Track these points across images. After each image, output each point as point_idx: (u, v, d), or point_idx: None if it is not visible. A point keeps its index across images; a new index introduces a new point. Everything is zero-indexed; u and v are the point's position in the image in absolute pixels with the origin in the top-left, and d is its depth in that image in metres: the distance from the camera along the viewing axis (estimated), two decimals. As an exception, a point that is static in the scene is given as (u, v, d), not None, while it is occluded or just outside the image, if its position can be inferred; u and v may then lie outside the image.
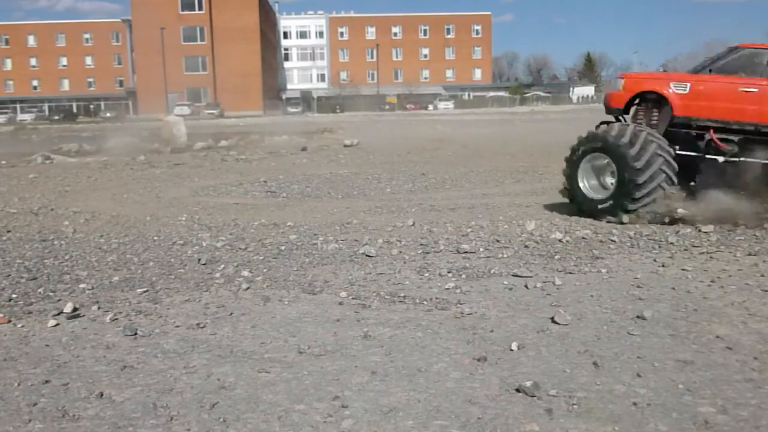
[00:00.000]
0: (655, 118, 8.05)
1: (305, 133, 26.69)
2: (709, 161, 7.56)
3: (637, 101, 8.29)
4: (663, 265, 5.35)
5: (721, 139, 7.60)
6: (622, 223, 7.19)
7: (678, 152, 7.58)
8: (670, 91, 7.90)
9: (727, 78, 7.69)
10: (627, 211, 7.27)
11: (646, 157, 7.24)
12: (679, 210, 7.06)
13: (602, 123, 8.43)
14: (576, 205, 7.96)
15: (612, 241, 6.33)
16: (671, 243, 6.16)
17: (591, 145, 7.85)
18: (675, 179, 7.36)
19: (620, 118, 8.43)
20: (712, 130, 7.62)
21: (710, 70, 7.91)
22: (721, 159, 7.51)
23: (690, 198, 7.31)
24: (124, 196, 10.57)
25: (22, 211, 9.03)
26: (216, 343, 3.79)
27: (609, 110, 8.58)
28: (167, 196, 10.35)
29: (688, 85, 7.89)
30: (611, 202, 7.46)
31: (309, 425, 2.80)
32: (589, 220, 7.46)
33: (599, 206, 7.57)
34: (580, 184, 7.91)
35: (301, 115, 60.31)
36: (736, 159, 7.42)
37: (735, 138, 7.61)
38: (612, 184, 7.65)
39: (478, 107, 63.12)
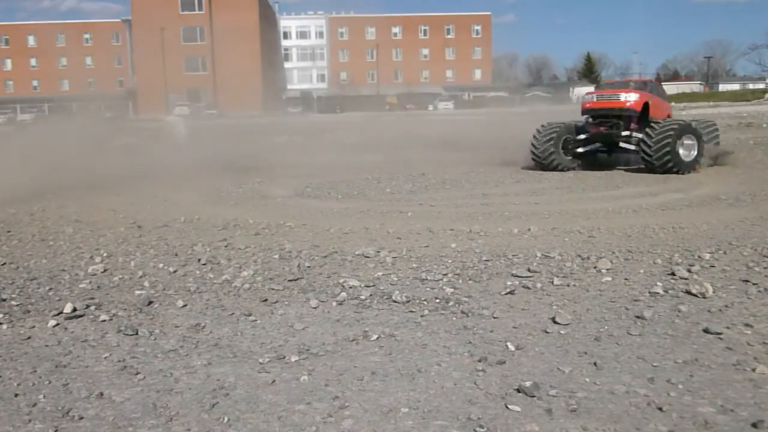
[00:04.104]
0: None
1: (305, 134, 26.68)
2: None
3: None
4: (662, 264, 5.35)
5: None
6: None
7: None
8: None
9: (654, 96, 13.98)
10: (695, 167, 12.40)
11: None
12: None
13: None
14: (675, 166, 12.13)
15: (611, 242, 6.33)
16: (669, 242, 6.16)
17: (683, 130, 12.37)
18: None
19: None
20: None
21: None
22: None
23: None
24: (123, 197, 10.56)
25: (21, 211, 9.03)
26: (216, 343, 3.79)
27: (631, 112, 13.05)
28: (166, 197, 10.35)
29: (652, 99, 13.66)
30: (693, 162, 12.33)
31: (309, 425, 2.80)
32: (588, 222, 7.46)
33: (688, 163, 12.24)
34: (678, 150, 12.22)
35: (301, 115, 60.27)
36: None
37: None
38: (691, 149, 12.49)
39: (478, 107, 63.03)
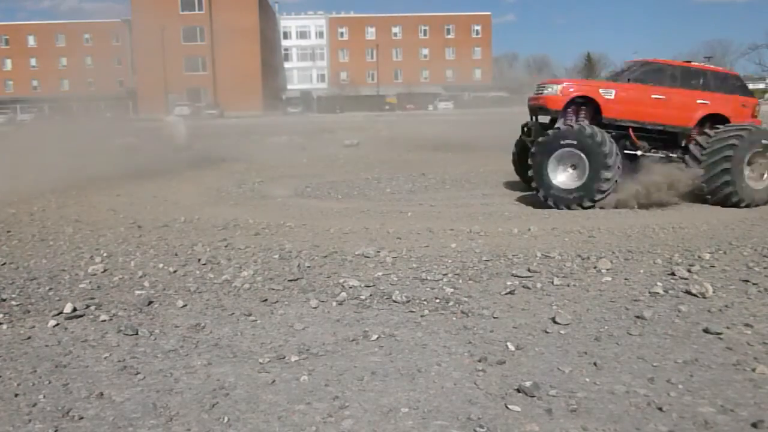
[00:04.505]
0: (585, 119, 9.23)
1: (305, 134, 26.69)
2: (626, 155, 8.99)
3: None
4: (662, 264, 5.35)
5: (637, 137, 9.21)
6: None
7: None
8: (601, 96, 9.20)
9: (641, 86, 9.25)
10: (594, 200, 8.33)
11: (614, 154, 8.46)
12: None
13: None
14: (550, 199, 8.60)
15: (610, 242, 6.33)
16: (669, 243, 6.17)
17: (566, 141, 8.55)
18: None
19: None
20: (630, 129, 9.20)
21: (628, 80, 9.37)
22: (638, 153, 9.11)
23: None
24: (123, 197, 10.56)
25: (21, 211, 9.03)
26: (216, 343, 3.79)
27: (547, 112, 9.41)
28: (166, 197, 10.35)
29: (614, 91, 9.23)
30: (582, 193, 8.35)
31: (309, 425, 2.80)
32: (588, 222, 7.46)
33: (567, 197, 8.43)
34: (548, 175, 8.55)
35: (301, 115, 60.31)
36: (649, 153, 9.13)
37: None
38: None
39: (478, 107, 63.05)
